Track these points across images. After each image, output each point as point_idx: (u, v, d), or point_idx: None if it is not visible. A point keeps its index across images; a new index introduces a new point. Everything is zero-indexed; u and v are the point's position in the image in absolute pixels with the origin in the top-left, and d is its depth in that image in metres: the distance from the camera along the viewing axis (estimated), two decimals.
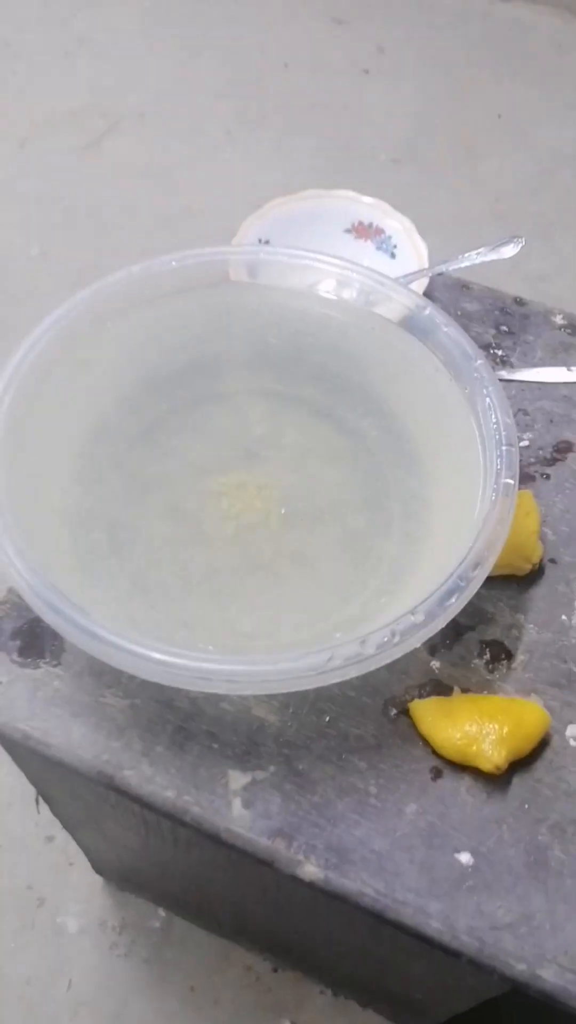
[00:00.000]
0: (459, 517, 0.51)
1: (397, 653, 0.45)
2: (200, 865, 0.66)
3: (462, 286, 0.71)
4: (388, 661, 0.45)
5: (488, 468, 0.50)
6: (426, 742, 0.52)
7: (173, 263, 0.58)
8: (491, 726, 0.50)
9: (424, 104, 1.68)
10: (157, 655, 0.44)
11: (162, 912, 0.99)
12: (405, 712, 0.53)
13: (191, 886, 0.82)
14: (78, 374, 0.57)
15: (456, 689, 0.54)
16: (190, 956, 0.97)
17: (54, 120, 1.64)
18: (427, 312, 0.55)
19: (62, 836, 1.01)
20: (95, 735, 0.52)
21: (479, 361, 0.53)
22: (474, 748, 0.50)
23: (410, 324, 0.57)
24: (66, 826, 0.84)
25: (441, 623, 0.46)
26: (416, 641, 0.45)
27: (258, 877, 0.57)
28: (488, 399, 0.52)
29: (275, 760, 0.52)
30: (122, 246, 1.47)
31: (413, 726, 0.53)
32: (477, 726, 0.50)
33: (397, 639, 0.44)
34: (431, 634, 0.46)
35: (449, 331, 0.55)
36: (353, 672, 0.45)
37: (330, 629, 0.51)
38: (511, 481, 0.49)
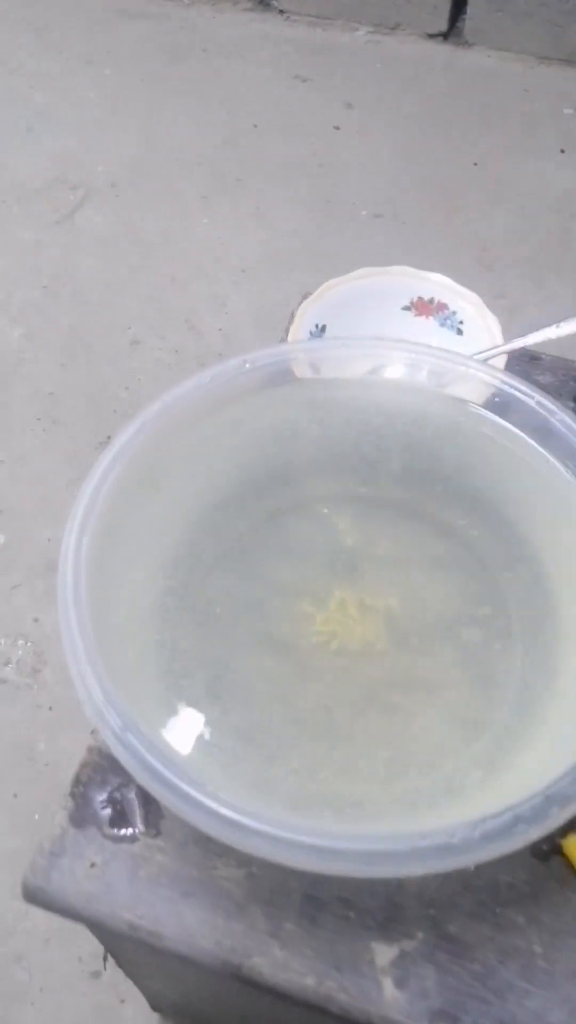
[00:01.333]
0: None
1: (545, 830, 0.39)
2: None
3: (531, 358, 0.66)
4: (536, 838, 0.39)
5: None
6: None
7: (247, 366, 0.52)
8: None
9: (399, 157, 1.65)
10: (281, 833, 0.38)
11: None
12: (558, 850, 0.47)
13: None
14: (151, 499, 0.51)
15: None
16: None
17: (23, 196, 1.59)
18: (534, 401, 0.50)
19: (111, 970, 0.93)
20: (212, 917, 0.45)
21: None
22: None
23: (501, 408, 0.52)
24: (132, 977, 0.76)
25: None
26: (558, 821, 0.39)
27: None
28: None
29: (422, 925, 0.45)
30: (110, 322, 1.42)
31: (570, 865, 0.47)
32: None
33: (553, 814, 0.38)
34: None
35: (562, 418, 0.50)
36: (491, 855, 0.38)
37: (464, 768, 0.45)
38: None
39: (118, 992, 0.93)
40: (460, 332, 0.63)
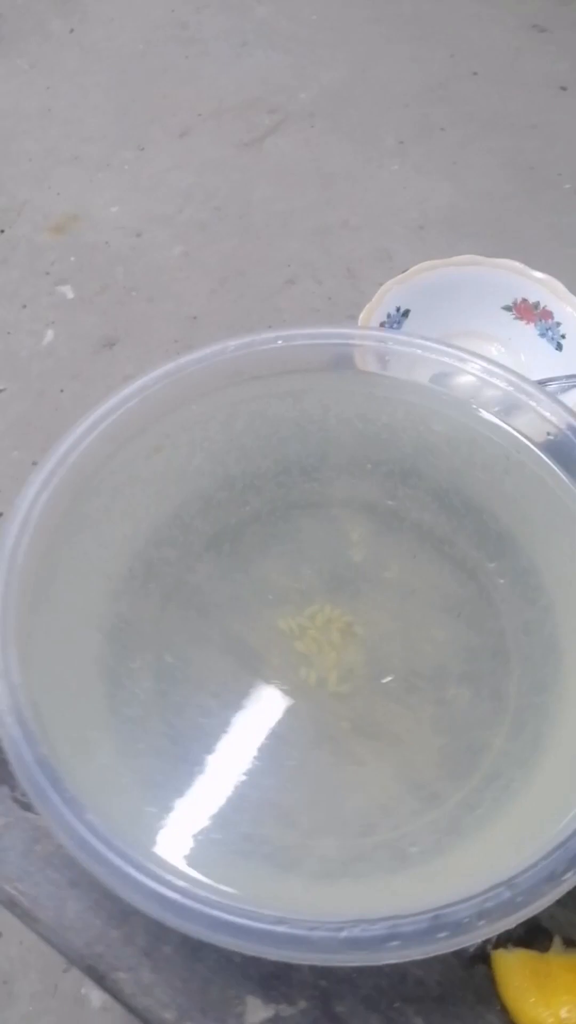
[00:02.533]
0: None
1: (480, 936, 0.33)
2: None
3: None
4: (468, 943, 0.33)
5: None
6: (508, 1012, 0.40)
7: (279, 342, 0.47)
8: None
9: None
10: (149, 883, 0.34)
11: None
12: (485, 960, 0.41)
13: None
14: (151, 460, 0.47)
15: (558, 940, 0.42)
16: None
17: (220, 111, 1.56)
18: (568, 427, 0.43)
19: None
20: (92, 916, 0.42)
21: None
22: None
23: (560, 451, 0.44)
24: None
25: (552, 898, 0.33)
26: (509, 923, 0.33)
27: None
28: None
29: (308, 993, 0.41)
30: (271, 256, 1.37)
31: (493, 982, 0.41)
32: None
33: (483, 923, 0.33)
34: (533, 913, 0.34)
35: None
36: (419, 955, 0.33)
37: (406, 840, 0.40)
38: None
39: None
40: (560, 347, 0.55)
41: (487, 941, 0.41)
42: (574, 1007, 0.38)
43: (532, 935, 0.42)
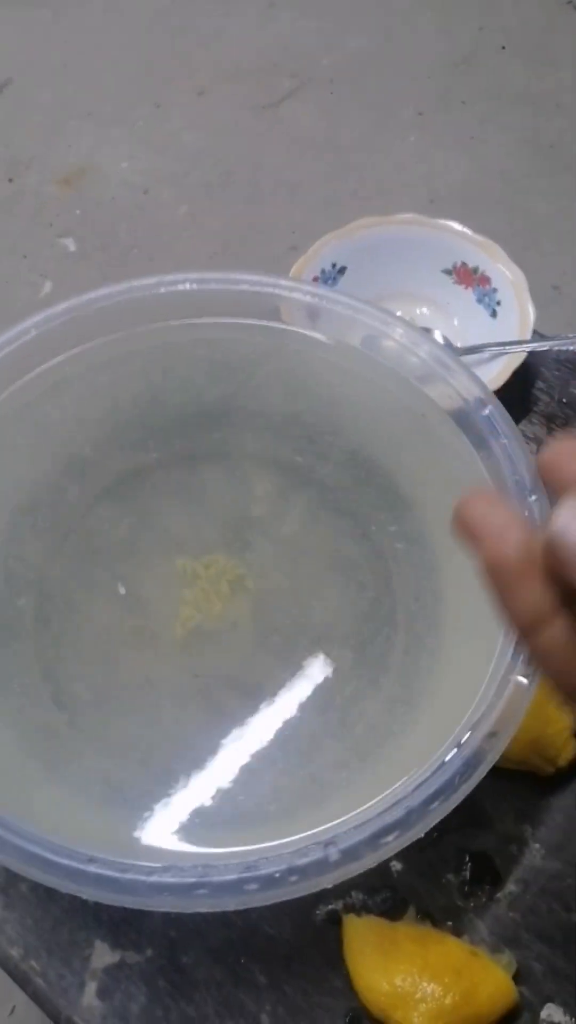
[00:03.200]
0: (464, 685, 0.37)
1: (332, 880, 0.32)
2: None
3: None
4: (316, 889, 0.33)
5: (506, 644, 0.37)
6: (350, 976, 0.39)
7: (187, 285, 0.46)
8: (431, 988, 0.37)
9: None
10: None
11: None
12: (337, 923, 0.41)
13: None
14: (46, 399, 0.46)
15: (412, 909, 0.41)
16: None
17: (238, 74, 1.54)
18: (486, 412, 0.41)
19: None
20: None
21: (533, 497, 0.39)
22: (399, 1013, 0.37)
23: (464, 420, 0.43)
24: None
25: (400, 844, 0.33)
26: (363, 865, 0.32)
27: None
28: None
29: (156, 942, 0.41)
30: (276, 222, 1.36)
31: (341, 945, 0.40)
32: (412, 982, 0.37)
33: (335, 857, 0.32)
34: (385, 857, 0.33)
35: (508, 444, 0.41)
36: (268, 899, 0.33)
37: (267, 798, 0.40)
38: (522, 680, 0.35)
39: None
40: (495, 314, 0.53)
41: (346, 899, 0.41)
42: (408, 976, 0.37)
43: (391, 904, 0.41)
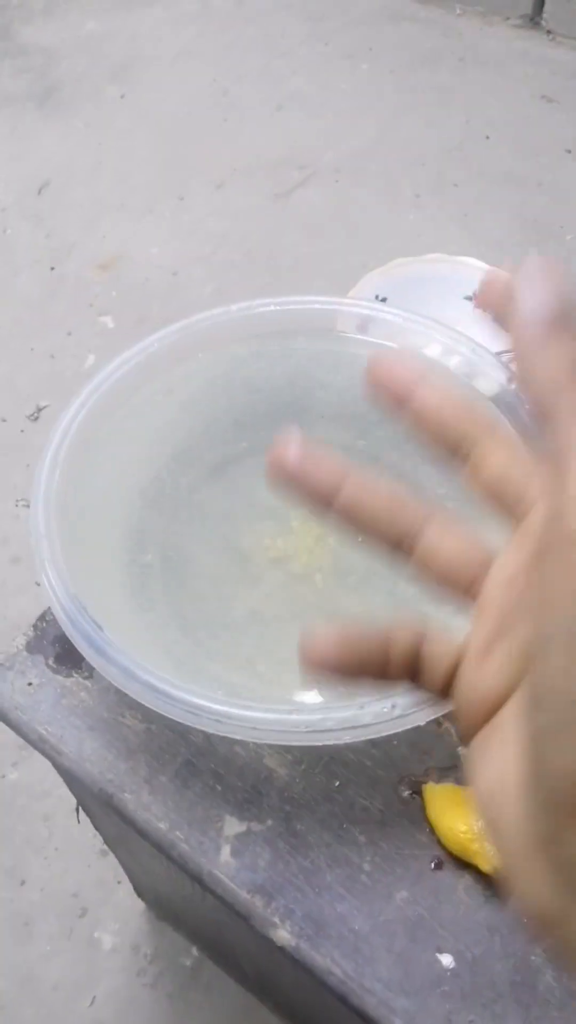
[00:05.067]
0: None
1: (395, 727, 0.43)
2: (216, 910, 0.65)
3: None
4: (386, 733, 0.43)
5: None
6: (433, 829, 0.49)
7: (272, 306, 0.59)
8: None
9: None
10: (152, 680, 0.44)
11: (195, 951, 0.98)
12: (419, 793, 0.51)
13: (216, 930, 0.81)
14: (164, 399, 0.59)
15: None
16: (214, 1002, 0.95)
17: (253, 167, 1.71)
18: (513, 387, 0.54)
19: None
20: (106, 752, 0.53)
21: None
22: (475, 845, 0.47)
23: (499, 399, 0.55)
24: (106, 841, 0.85)
25: (449, 704, 0.43)
26: (419, 718, 0.43)
27: (254, 938, 0.56)
28: None
29: (275, 814, 0.50)
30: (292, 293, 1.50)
31: (424, 809, 0.50)
32: None
33: (397, 712, 0.43)
34: (438, 714, 0.44)
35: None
36: (347, 737, 0.43)
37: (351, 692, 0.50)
38: None
39: (117, 874, 1.02)
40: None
41: (425, 777, 0.51)
42: None
43: (459, 778, 0.51)
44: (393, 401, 0.30)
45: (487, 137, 1.75)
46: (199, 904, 0.70)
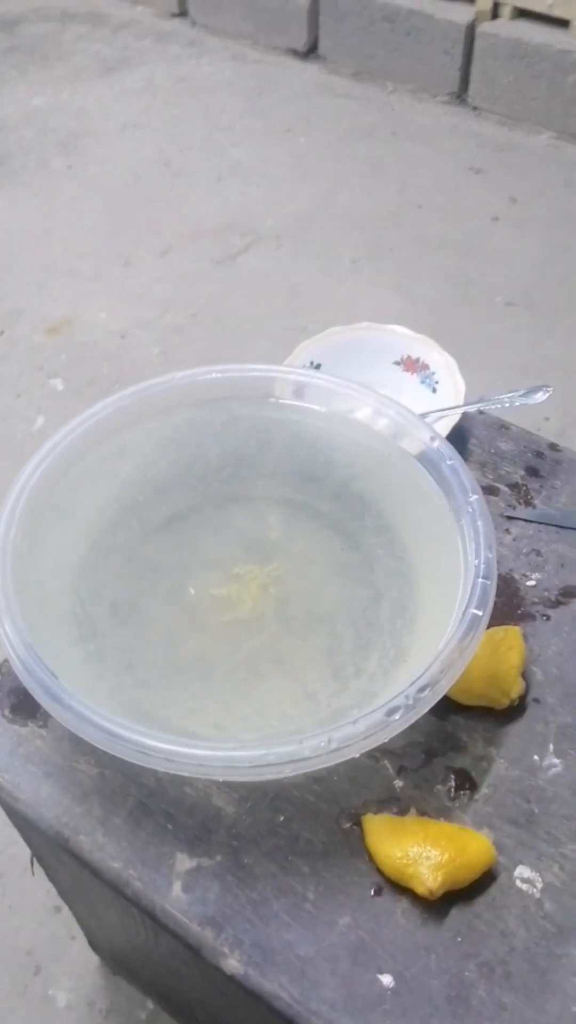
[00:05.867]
0: (432, 643, 0.53)
1: (332, 760, 0.46)
2: (170, 957, 0.67)
3: (500, 426, 0.74)
4: (323, 766, 0.47)
5: (464, 599, 0.52)
6: (372, 857, 0.52)
7: (215, 374, 0.63)
8: (432, 851, 0.50)
9: (547, 253, 1.73)
10: (105, 724, 0.47)
11: (150, 1004, 0.99)
12: (358, 824, 0.54)
13: (170, 979, 0.82)
14: (116, 459, 0.63)
15: (413, 811, 0.54)
16: None
17: (197, 234, 1.78)
18: (435, 445, 0.58)
19: (68, 911, 1.03)
20: (61, 797, 0.55)
21: (474, 496, 0.56)
22: (411, 870, 0.50)
23: (423, 456, 0.60)
24: (61, 894, 0.86)
25: (381, 738, 0.47)
26: (354, 751, 0.47)
27: (205, 975, 0.58)
28: (476, 532, 0.54)
29: (223, 850, 0.53)
30: (238, 355, 1.56)
31: (363, 839, 0.53)
32: (419, 848, 0.51)
33: (334, 745, 0.46)
34: (370, 747, 0.47)
35: (453, 464, 0.57)
36: (288, 771, 0.47)
37: (292, 731, 0.53)
38: (479, 613, 0.51)
39: (71, 929, 1.03)
40: (435, 391, 0.71)
41: (363, 809, 0.54)
42: (415, 844, 0.51)
43: (397, 811, 0.55)
44: None
45: (420, 206, 1.84)
46: (152, 951, 0.72)
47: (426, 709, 0.48)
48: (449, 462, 0.58)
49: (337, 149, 1.98)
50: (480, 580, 0.52)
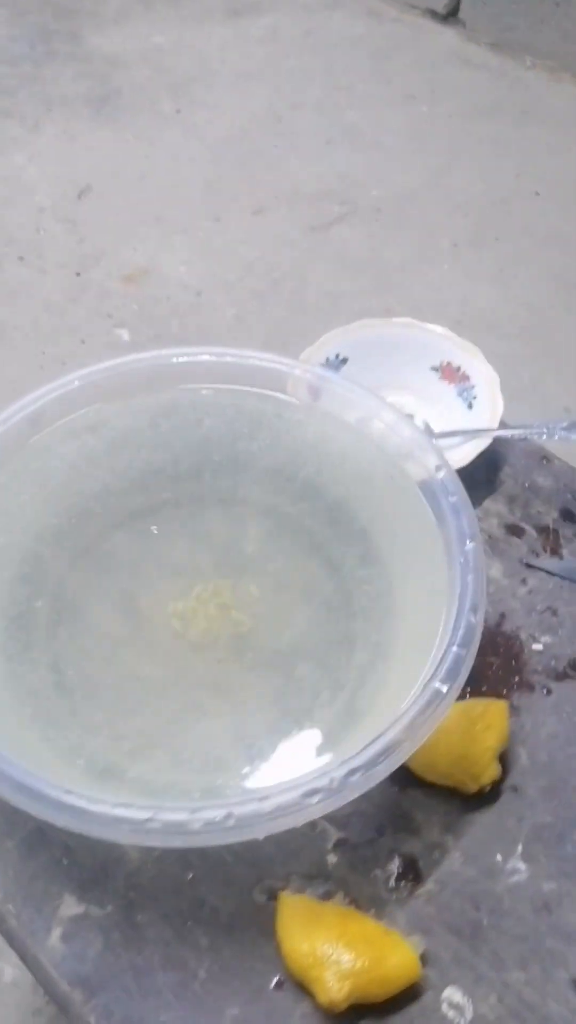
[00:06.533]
0: (391, 714, 0.44)
1: (227, 839, 0.39)
2: None
3: (542, 457, 0.64)
4: (216, 843, 0.39)
5: (430, 668, 0.44)
6: (279, 945, 0.45)
7: (228, 357, 0.56)
8: (345, 954, 0.43)
9: None
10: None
11: None
12: (275, 899, 0.47)
13: None
14: (87, 437, 0.56)
15: (340, 895, 0.47)
16: None
17: (295, 198, 1.69)
18: (440, 476, 0.50)
19: None
20: None
21: (470, 544, 0.47)
22: (315, 972, 0.43)
23: (425, 486, 0.51)
24: None
25: (291, 823, 0.40)
26: (256, 833, 0.39)
27: None
28: (466, 588, 0.46)
29: (117, 900, 0.47)
30: (313, 330, 1.47)
31: (274, 917, 0.46)
32: (330, 948, 0.43)
33: (231, 823, 0.39)
34: (277, 830, 0.40)
35: (455, 501, 0.49)
36: (176, 842, 0.40)
37: (206, 785, 0.46)
38: (441, 688, 0.42)
39: None
40: (471, 407, 0.62)
41: (285, 883, 0.47)
42: (327, 942, 0.43)
43: (322, 888, 0.47)
44: None
45: (536, 193, 1.71)
46: None
47: (352, 796, 0.40)
48: (452, 498, 0.49)
49: (458, 123, 1.85)
50: (454, 649, 0.43)
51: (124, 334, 1.49)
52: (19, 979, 0.95)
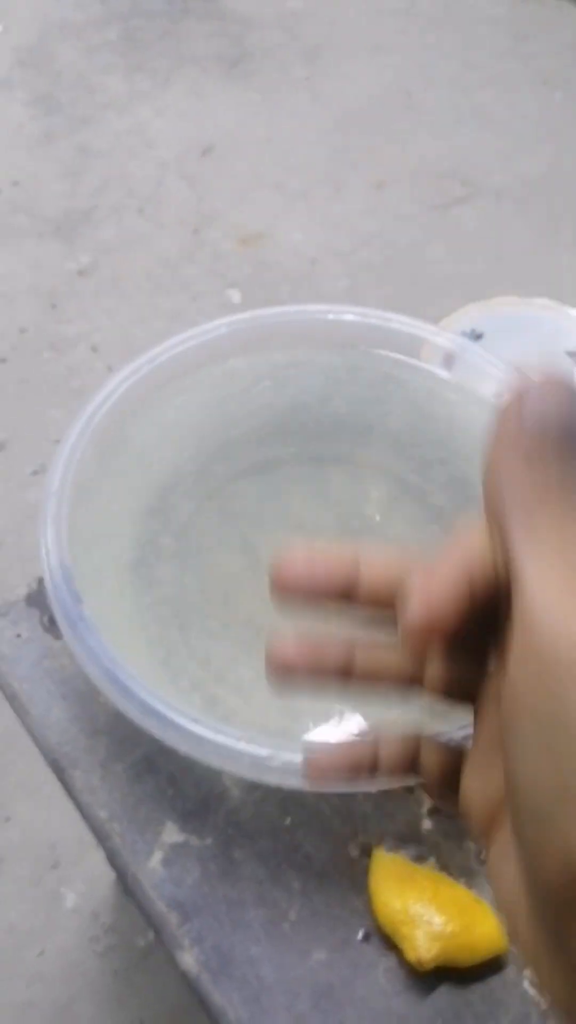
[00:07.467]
0: None
1: (340, 786, 0.40)
2: None
3: None
4: (326, 790, 0.40)
5: None
6: (370, 898, 0.46)
7: (350, 316, 0.56)
8: (437, 916, 0.44)
9: None
10: (111, 667, 0.43)
11: (151, 935, 0.97)
12: (368, 855, 0.48)
13: None
14: (224, 382, 0.57)
15: (432, 861, 0.48)
16: (156, 989, 0.94)
17: (417, 175, 1.68)
18: None
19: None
20: (70, 724, 0.51)
21: None
22: (405, 930, 0.44)
23: None
24: None
25: (399, 781, 0.40)
26: (371, 786, 0.40)
27: None
28: None
29: (216, 834, 0.48)
30: (423, 309, 1.47)
31: (367, 871, 0.47)
32: (422, 907, 0.44)
33: None
34: (388, 786, 0.41)
35: None
36: (292, 782, 0.41)
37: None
38: None
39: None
40: None
41: (379, 840, 0.48)
42: (419, 902, 0.44)
43: (415, 856, 0.48)
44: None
45: None
46: None
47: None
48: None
49: None
50: None
51: (235, 295, 1.50)
52: (80, 906, 0.99)
